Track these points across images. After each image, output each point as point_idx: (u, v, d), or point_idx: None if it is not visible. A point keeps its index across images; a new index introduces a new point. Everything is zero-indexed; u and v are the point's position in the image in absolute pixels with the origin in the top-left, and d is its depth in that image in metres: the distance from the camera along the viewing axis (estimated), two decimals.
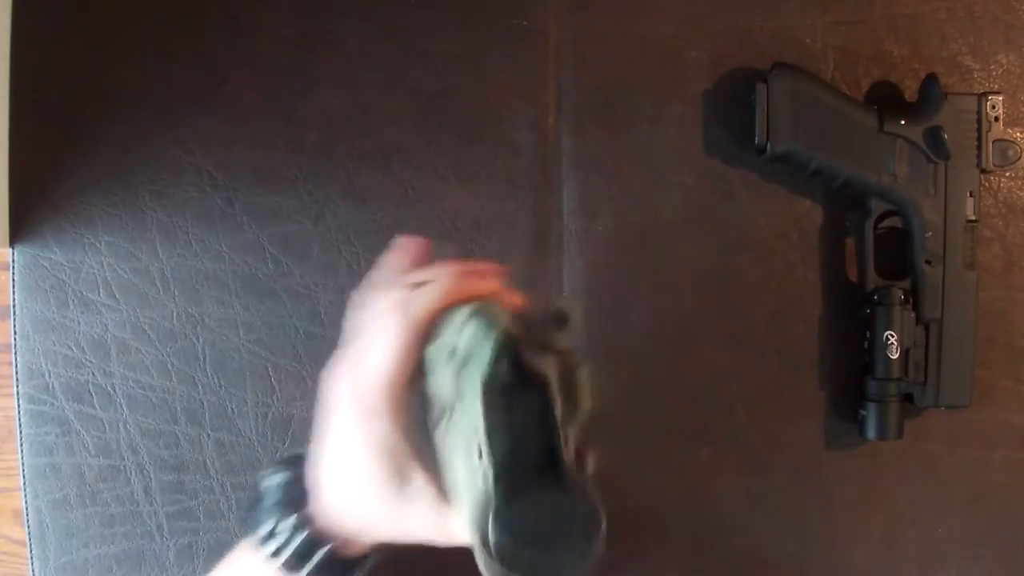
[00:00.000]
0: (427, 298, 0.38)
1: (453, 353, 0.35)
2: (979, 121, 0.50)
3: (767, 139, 0.50)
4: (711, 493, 0.54)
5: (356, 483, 0.40)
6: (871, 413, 0.51)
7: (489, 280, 0.40)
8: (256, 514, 0.42)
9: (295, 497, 0.41)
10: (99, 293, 0.54)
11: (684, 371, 0.53)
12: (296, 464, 0.42)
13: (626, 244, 0.54)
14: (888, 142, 0.50)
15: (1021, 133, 0.53)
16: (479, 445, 0.33)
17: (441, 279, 0.39)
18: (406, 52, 0.54)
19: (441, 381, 0.36)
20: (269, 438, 0.54)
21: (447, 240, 0.53)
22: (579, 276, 0.54)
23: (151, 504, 0.55)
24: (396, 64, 0.54)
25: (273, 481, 0.42)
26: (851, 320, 0.53)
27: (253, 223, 0.54)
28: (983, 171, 0.50)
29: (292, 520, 0.40)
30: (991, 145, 0.50)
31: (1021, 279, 0.54)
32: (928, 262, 0.50)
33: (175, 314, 0.54)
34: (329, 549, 0.40)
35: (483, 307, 0.36)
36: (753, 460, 0.54)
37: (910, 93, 0.53)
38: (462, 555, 0.34)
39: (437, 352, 0.37)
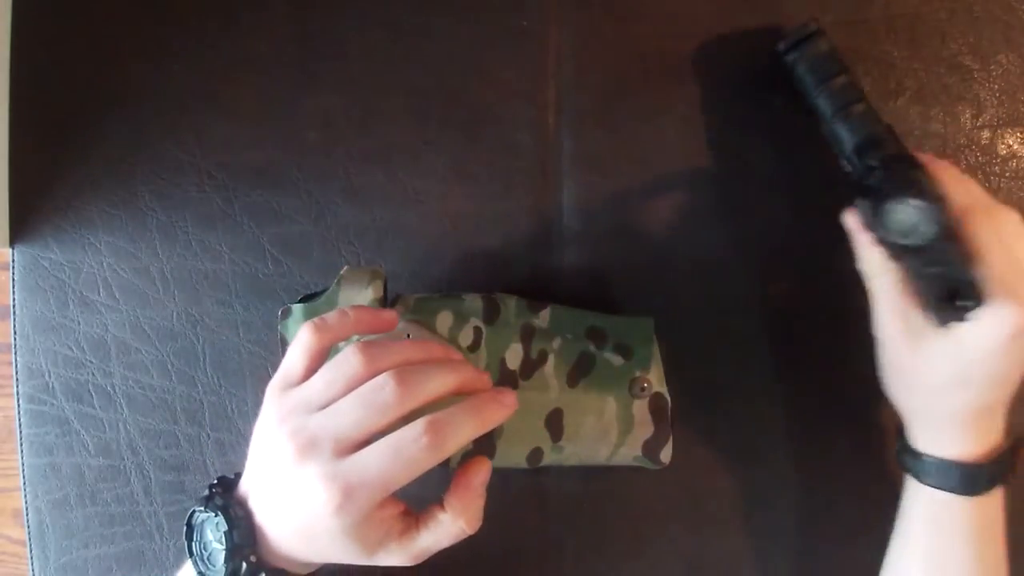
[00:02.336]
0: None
1: None
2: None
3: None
4: (710, 492, 0.54)
5: (320, 549, 0.40)
6: None
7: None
8: (199, 554, 0.41)
9: (239, 544, 0.40)
10: (99, 293, 0.54)
11: (684, 371, 0.53)
12: (227, 500, 0.41)
13: (626, 244, 0.54)
14: None
15: (1021, 133, 0.53)
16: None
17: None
18: (406, 52, 0.54)
19: None
20: None
21: (447, 240, 0.53)
22: (579, 276, 0.54)
23: (151, 504, 0.55)
24: (396, 64, 0.54)
25: (209, 523, 0.41)
26: (852, 320, 0.53)
27: (253, 223, 0.54)
28: None
29: (243, 570, 0.39)
30: None
31: None
32: None
33: (175, 314, 0.54)
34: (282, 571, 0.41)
35: None
36: (754, 459, 0.54)
37: (911, 93, 0.53)
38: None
39: None
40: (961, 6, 0.53)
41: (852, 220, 0.46)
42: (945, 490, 0.44)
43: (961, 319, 0.41)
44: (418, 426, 0.37)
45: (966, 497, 0.44)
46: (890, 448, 0.53)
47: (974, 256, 0.41)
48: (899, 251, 0.42)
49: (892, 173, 0.43)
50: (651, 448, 0.50)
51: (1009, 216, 0.43)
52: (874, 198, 0.42)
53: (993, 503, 0.44)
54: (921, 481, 0.46)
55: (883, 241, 0.43)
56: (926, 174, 0.43)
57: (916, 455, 0.46)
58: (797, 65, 0.49)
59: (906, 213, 0.41)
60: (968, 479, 0.44)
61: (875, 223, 0.42)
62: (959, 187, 0.44)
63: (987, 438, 0.44)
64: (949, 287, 0.41)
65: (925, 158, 0.45)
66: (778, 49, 0.49)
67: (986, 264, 0.40)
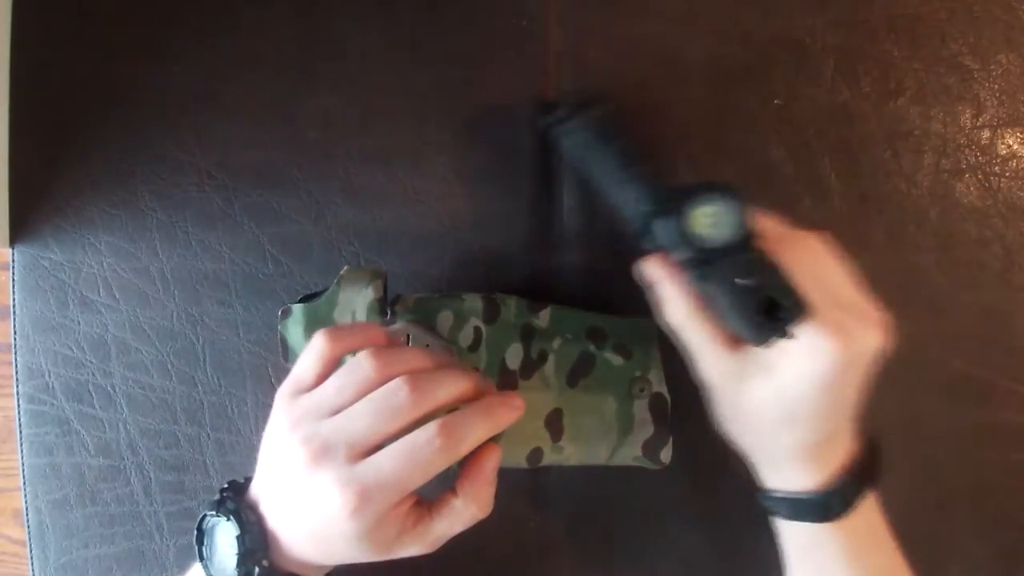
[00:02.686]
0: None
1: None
2: None
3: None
4: (710, 492, 0.54)
5: (335, 552, 0.40)
6: None
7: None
8: (209, 558, 0.41)
9: (251, 549, 0.40)
10: (99, 293, 0.54)
11: (684, 371, 0.53)
12: (238, 505, 0.41)
13: (626, 244, 0.54)
14: None
15: (1021, 133, 0.53)
16: None
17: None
18: (406, 52, 0.54)
19: None
20: None
21: (447, 240, 0.53)
22: (579, 276, 0.54)
23: (151, 504, 0.55)
24: (396, 64, 0.54)
25: (221, 527, 0.41)
26: None
27: (253, 223, 0.54)
28: None
29: (255, 574, 0.40)
30: None
31: (1021, 279, 0.54)
32: None
33: (175, 314, 0.54)
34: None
35: None
36: None
37: (911, 93, 0.53)
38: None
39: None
40: (961, 6, 0.53)
41: (650, 270, 0.44)
42: (803, 521, 0.44)
43: (784, 334, 0.38)
44: (431, 428, 0.38)
45: (827, 524, 0.43)
46: (891, 446, 0.53)
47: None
48: (706, 268, 0.39)
49: (690, 190, 0.40)
50: (651, 448, 0.50)
51: (817, 243, 0.41)
52: (678, 210, 0.39)
53: (862, 517, 0.43)
54: (778, 517, 0.45)
55: (689, 262, 0.39)
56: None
57: (765, 492, 0.45)
58: (571, 136, 0.47)
59: (708, 208, 0.39)
60: (820, 507, 0.43)
61: (678, 238, 0.39)
62: (764, 219, 0.43)
63: (830, 465, 0.43)
64: (766, 299, 0.38)
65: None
66: (545, 124, 0.48)
67: None
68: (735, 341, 0.42)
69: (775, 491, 0.45)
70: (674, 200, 0.40)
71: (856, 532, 0.43)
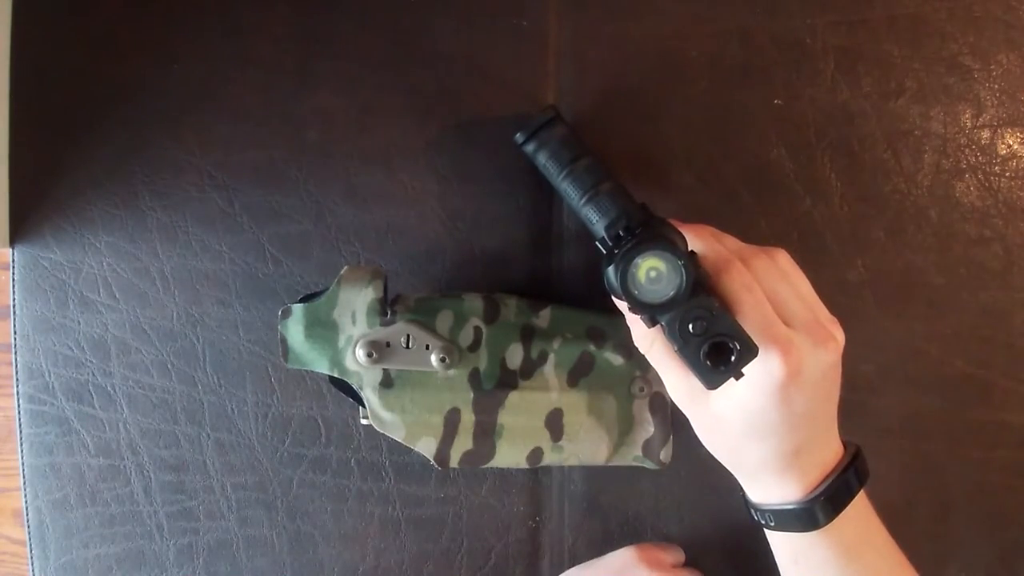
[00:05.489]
0: None
1: None
2: None
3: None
4: (710, 492, 0.54)
5: None
6: None
7: None
8: None
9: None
10: (99, 293, 0.54)
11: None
12: None
13: None
14: None
15: (1021, 133, 0.53)
16: None
17: None
18: (406, 52, 0.54)
19: None
20: (269, 438, 0.55)
21: (447, 240, 0.53)
22: (579, 276, 0.54)
23: (151, 504, 0.55)
24: (396, 64, 0.54)
25: None
26: (851, 319, 0.53)
27: (253, 223, 0.54)
28: None
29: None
30: None
31: (1021, 279, 0.54)
32: None
33: (175, 314, 0.54)
34: None
35: None
36: None
37: (911, 93, 0.53)
38: None
39: None
40: (961, 6, 0.53)
41: (616, 299, 0.44)
42: (791, 531, 0.44)
43: (738, 376, 0.38)
44: None
45: (815, 532, 0.43)
46: (891, 446, 0.53)
47: (731, 309, 0.40)
48: (657, 315, 0.40)
49: (640, 235, 0.41)
50: (651, 448, 0.50)
51: (770, 259, 0.42)
52: (623, 263, 0.40)
53: (852, 521, 0.43)
54: (768, 528, 0.45)
55: (640, 307, 0.39)
56: (676, 233, 0.42)
57: (753, 506, 0.46)
58: (538, 154, 0.48)
59: (649, 266, 0.39)
60: (805, 516, 0.43)
61: (626, 288, 0.39)
62: (715, 243, 0.43)
63: (809, 474, 0.43)
64: (717, 344, 0.38)
65: (678, 222, 0.43)
66: (516, 140, 0.48)
67: (740, 315, 0.39)
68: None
69: (760, 504, 0.45)
70: (622, 248, 0.41)
71: (845, 537, 0.43)
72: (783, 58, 0.53)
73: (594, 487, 0.55)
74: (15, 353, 0.55)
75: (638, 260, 0.39)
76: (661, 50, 0.53)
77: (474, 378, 0.48)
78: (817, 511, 0.43)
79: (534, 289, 0.53)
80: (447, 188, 0.54)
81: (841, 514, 0.43)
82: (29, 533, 0.55)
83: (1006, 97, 0.53)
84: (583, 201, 0.45)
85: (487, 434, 0.48)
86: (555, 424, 0.49)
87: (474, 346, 0.48)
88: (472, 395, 0.48)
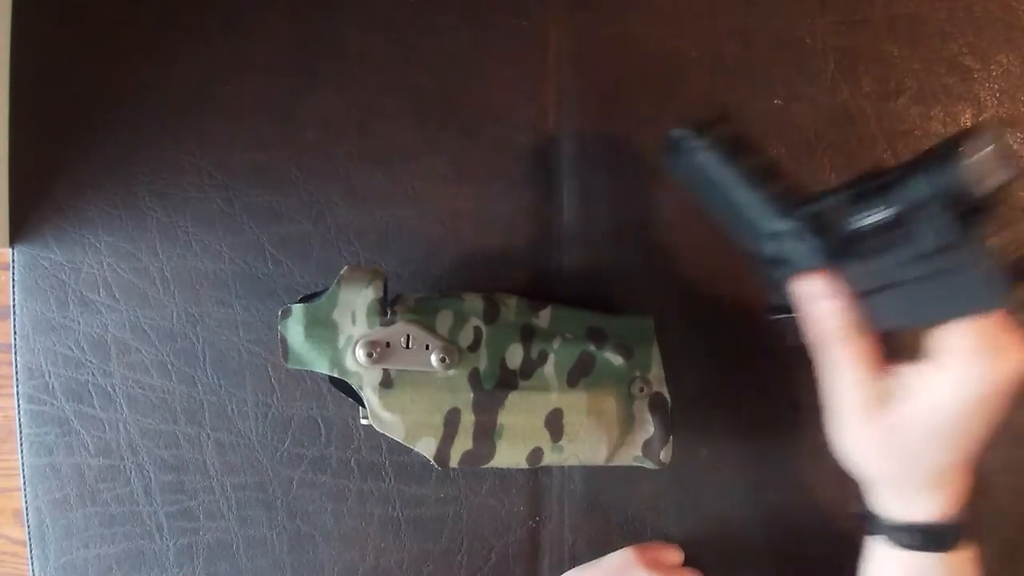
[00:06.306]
0: None
1: None
2: None
3: None
4: (710, 492, 0.54)
5: None
6: None
7: None
8: None
9: None
10: (99, 293, 0.54)
11: (684, 371, 0.53)
12: None
13: (626, 244, 0.54)
14: None
15: (1021, 134, 0.53)
16: None
17: None
18: (406, 52, 0.54)
19: None
20: (269, 438, 0.55)
21: (447, 240, 0.53)
22: (579, 276, 0.54)
23: (151, 504, 0.55)
24: (396, 64, 0.54)
25: None
26: None
27: (253, 223, 0.54)
28: None
29: None
30: None
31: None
32: None
33: (175, 314, 0.54)
34: None
35: None
36: (754, 459, 0.54)
37: (911, 93, 0.53)
38: None
39: None
40: (961, 6, 0.53)
41: (808, 286, 0.42)
42: (921, 551, 0.43)
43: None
44: None
45: (941, 554, 0.42)
46: None
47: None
48: (962, 230, 0.35)
49: (910, 163, 0.36)
50: (651, 448, 0.50)
51: None
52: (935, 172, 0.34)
53: (966, 547, 0.43)
54: (895, 546, 0.44)
55: (962, 216, 0.34)
56: None
57: (886, 522, 0.44)
58: (695, 157, 0.45)
59: (980, 153, 0.33)
60: (943, 537, 0.42)
61: (953, 187, 0.34)
62: None
63: (955, 493, 0.42)
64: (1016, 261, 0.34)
65: None
66: (670, 142, 0.45)
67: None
68: (883, 362, 0.41)
69: (899, 521, 0.43)
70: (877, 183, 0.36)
71: (959, 559, 0.43)
72: (783, 58, 0.53)
73: (594, 487, 0.55)
74: (15, 353, 0.55)
75: (960, 155, 0.33)
76: (661, 50, 0.53)
77: (474, 378, 0.48)
78: (950, 531, 0.42)
79: (534, 289, 0.53)
80: (447, 188, 0.54)
81: (963, 537, 0.43)
82: (29, 533, 0.55)
83: (1006, 97, 0.53)
84: (754, 202, 0.42)
85: (487, 434, 0.48)
86: (555, 424, 0.49)
87: (474, 346, 0.48)
88: (472, 395, 0.48)
